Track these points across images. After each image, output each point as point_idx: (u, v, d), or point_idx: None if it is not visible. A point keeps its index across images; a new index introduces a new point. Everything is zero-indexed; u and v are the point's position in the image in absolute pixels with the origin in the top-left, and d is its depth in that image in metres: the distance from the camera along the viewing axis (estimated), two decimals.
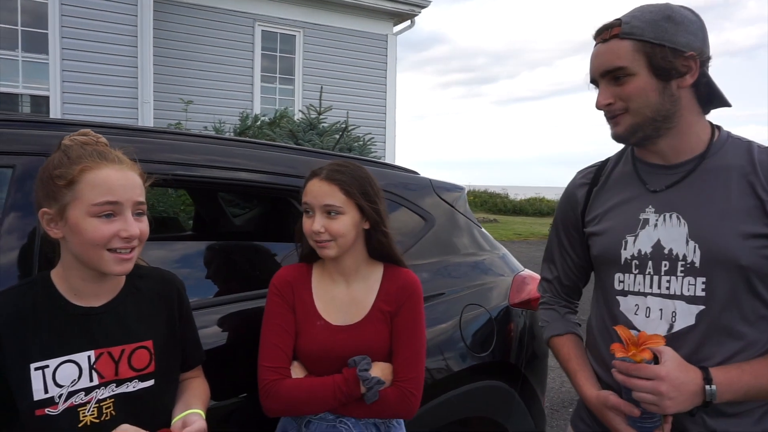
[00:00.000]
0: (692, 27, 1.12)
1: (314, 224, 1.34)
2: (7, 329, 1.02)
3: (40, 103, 6.75)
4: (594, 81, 1.20)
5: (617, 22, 1.14)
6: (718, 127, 1.20)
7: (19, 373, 1.01)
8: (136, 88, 7.00)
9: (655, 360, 1.07)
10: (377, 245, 1.42)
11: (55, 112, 6.64)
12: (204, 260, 1.91)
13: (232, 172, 1.66)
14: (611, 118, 1.18)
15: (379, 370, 1.35)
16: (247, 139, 1.86)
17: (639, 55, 1.11)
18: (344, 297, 1.42)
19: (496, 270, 2.13)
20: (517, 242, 13.26)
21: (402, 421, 1.47)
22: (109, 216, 1.03)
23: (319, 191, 1.35)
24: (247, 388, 1.47)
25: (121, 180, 1.05)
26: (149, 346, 1.14)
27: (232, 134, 6.28)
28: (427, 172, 2.25)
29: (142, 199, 1.09)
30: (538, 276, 2.26)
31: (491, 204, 22.52)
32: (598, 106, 1.19)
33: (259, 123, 6.15)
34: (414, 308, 1.41)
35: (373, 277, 1.44)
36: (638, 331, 1.11)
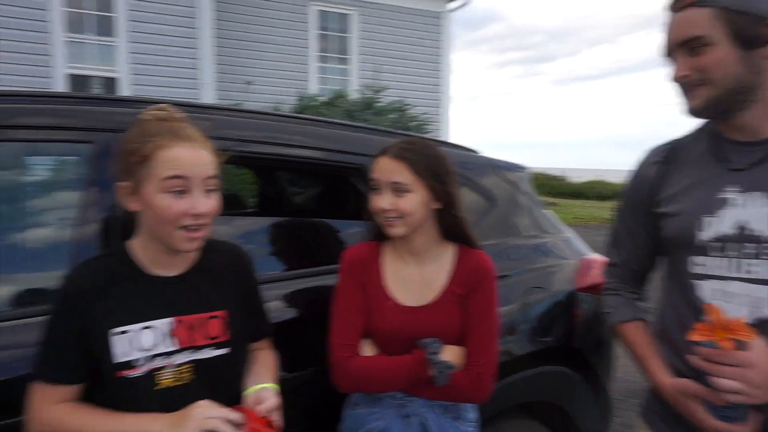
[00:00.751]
0: None
1: (381, 201, 1.33)
2: (91, 296, 1.06)
3: (110, 84, 7.05)
4: (669, 53, 1.12)
5: None
6: None
7: (102, 337, 1.06)
8: (197, 69, 7.20)
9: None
10: (449, 226, 1.39)
11: (124, 93, 6.92)
12: (266, 237, 1.95)
13: (292, 149, 1.67)
14: (687, 91, 1.10)
15: (450, 354, 1.32)
16: (308, 116, 1.86)
17: (718, 23, 1.03)
18: (415, 277, 1.40)
19: (561, 253, 2.06)
20: (576, 227, 12.87)
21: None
22: (180, 192, 1.05)
23: (387, 168, 1.33)
24: (311, 363, 1.49)
25: (192, 158, 1.06)
26: (223, 316, 1.17)
27: None
28: (484, 151, 2.19)
29: (213, 174, 1.09)
30: (604, 260, 2.19)
31: (549, 187, 21.90)
32: (674, 79, 1.11)
33: (315, 103, 6.19)
34: (488, 291, 1.37)
35: (445, 257, 1.41)
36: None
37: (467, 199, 1.90)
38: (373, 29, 9.46)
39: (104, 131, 1.38)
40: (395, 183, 1.32)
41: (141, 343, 1.08)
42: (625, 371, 4.06)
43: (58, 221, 1.42)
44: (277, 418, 1.11)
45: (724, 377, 1.00)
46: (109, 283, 1.09)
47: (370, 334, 1.38)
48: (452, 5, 10.16)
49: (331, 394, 1.38)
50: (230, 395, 1.16)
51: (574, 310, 1.96)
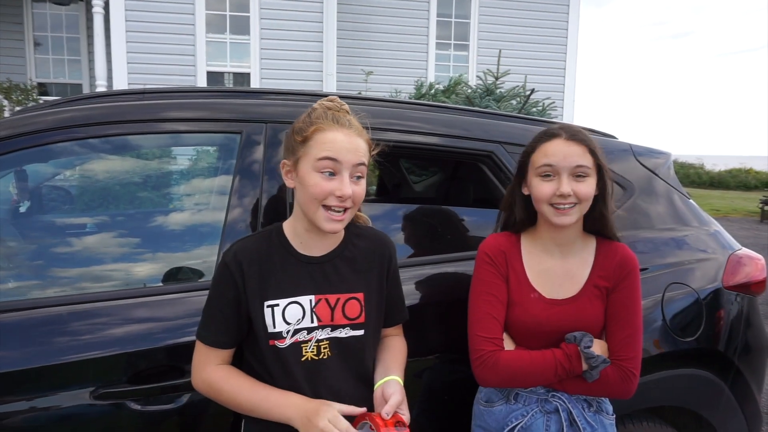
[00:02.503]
0: None
1: (562, 187, 1.26)
2: (248, 269, 1.16)
3: (242, 79, 7.61)
4: None
5: None
6: None
7: (257, 307, 1.15)
8: (321, 62, 7.53)
9: None
10: (598, 216, 1.34)
11: (255, 87, 7.44)
12: (386, 223, 1.99)
13: (411, 136, 1.67)
14: None
15: (599, 348, 1.29)
16: (425, 102, 1.86)
17: None
18: (558, 270, 1.36)
19: (706, 247, 1.88)
20: (714, 219, 11.66)
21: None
22: (330, 174, 1.12)
23: (568, 151, 1.28)
24: (440, 349, 1.51)
25: (345, 142, 1.13)
26: (360, 298, 1.22)
27: None
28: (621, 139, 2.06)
29: (362, 164, 1.15)
30: (757, 256, 1.97)
31: (683, 175, 20.05)
32: None
33: (433, 91, 6.20)
34: (633, 285, 1.32)
35: (587, 250, 1.37)
36: None
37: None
38: (493, 12, 9.22)
39: (251, 122, 1.49)
40: (579, 167, 1.27)
41: (288, 316, 1.16)
42: None
43: (202, 206, 1.57)
44: (404, 412, 1.13)
45: None
46: (263, 258, 1.18)
47: (508, 327, 1.36)
48: None
49: (452, 382, 1.39)
50: (363, 374, 1.22)
51: (720, 310, 1.79)
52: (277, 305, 1.16)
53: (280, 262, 1.19)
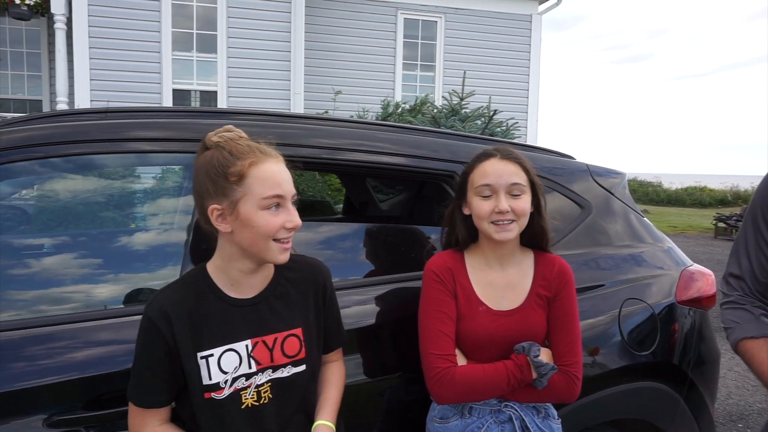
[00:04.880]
0: None
1: (500, 204, 1.32)
2: (178, 322, 1.10)
3: (209, 98, 7.56)
4: None
5: None
6: None
7: (189, 361, 1.10)
8: (289, 81, 7.55)
9: None
10: (538, 231, 1.41)
11: (222, 105, 7.40)
12: (352, 242, 2.01)
13: (378, 156, 1.70)
14: None
15: (546, 356, 1.35)
16: (393, 123, 1.90)
17: None
18: (502, 282, 1.41)
19: (661, 263, 1.96)
20: (672, 235, 12.07)
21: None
22: (276, 207, 1.10)
23: (504, 170, 1.35)
24: (398, 368, 1.53)
25: (282, 173, 1.12)
26: (299, 334, 1.20)
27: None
28: (578, 158, 2.14)
29: (295, 191, 1.14)
30: (708, 271, 2.05)
31: (641, 193, 20.73)
32: None
33: (400, 110, 6.28)
34: (571, 293, 1.41)
35: (526, 262, 1.44)
36: None
37: (564, 205, 1.87)
38: (459, 35, 9.45)
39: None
40: (514, 184, 1.34)
41: (224, 365, 1.12)
42: (729, 392, 3.77)
43: (167, 226, 1.56)
44: None
45: None
46: (192, 308, 1.12)
47: (460, 342, 1.39)
48: (543, 7, 9.92)
49: (410, 401, 1.40)
50: (309, 409, 1.21)
51: (673, 324, 1.86)
52: (212, 355, 1.11)
53: (210, 309, 1.13)
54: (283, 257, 1.13)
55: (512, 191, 1.34)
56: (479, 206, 1.35)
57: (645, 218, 2.08)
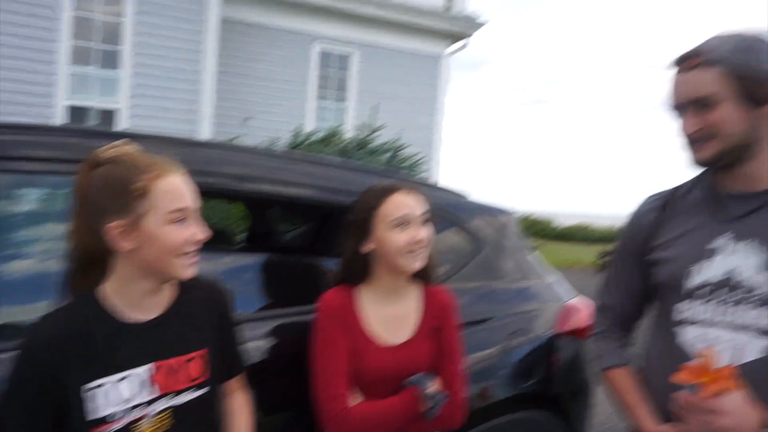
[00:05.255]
0: None
1: (419, 233, 1.39)
2: (59, 350, 1.02)
3: (109, 117, 7.15)
4: (677, 108, 1.19)
5: (699, 51, 1.13)
6: None
7: (74, 394, 1.01)
8: (198, 102, 7.33)
9: None
10: (428, 261, 1.46)
11: (123, 126, 7.02)
12: (253, 273, 1.98)
13: (287, 188, 1.70)
14: (695, 144, 1.16)
15: (435, 386, 1.38)
16: (304, 153, 1.92)
17: (726, 82, 1.10)
18: (394, 316, 1.44)
19: (545, 297, 2.10)
20: (561, 270, 12.89)
21: None
22: (182, 221, 1.07)
23: (414, 201, 1.41)
24: (296, 402, 1.51)
25: (186, 186, 1.09)
26: (203, 355, 1.16)
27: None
28: (473, 193, 2.26)
29: (199, 204, 1.12)
30: (586, 303, 2.23)
31: (536, 229, 22.07)
32: (683, 134, 1.18)
33: (310, 140, 6.31)
34: (456, 322, 1.49)
35: (414, 294, 1.49)
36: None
37: (457, 241, 1.96)
38: (372, 70, 9.71)
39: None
40: (424, 213, 1.41)
41: (118, 395, 1.04)
42: (599, 418, 4.05)
43: (51, 252, 1.45)
44: None
45: (697, 422, 1.04)
46: (79, 333, 1.04)
47: (353, 379, 1.39)
48: (451, 48, 10.47)
49: None
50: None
51: (554, 354, 1.99)
52: (103, 384, 1.03)
53: (102, 333, 1.06)
54: (190, 272, 1.09)
55: (421, 221, 1.41)
56: (396, 239, 1.37)
57: (532, 253, 2.23)
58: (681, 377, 1.06)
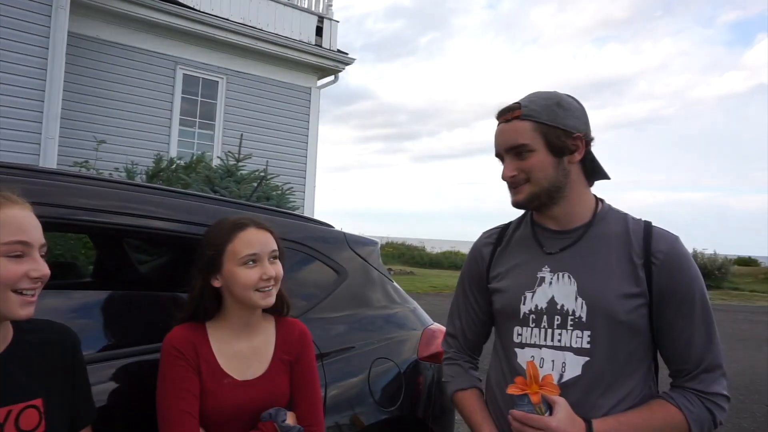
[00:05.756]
0: (577, 113, 1.29)
1: (269, 271, 1.36)
2: None
3: None
4: (499, 155, 1.34)
5: (517, 105, 1.28)
6: (601, 200, 1.37)
7: None
8: (41, 123, 6.62)
9: (548, 407, 1.16)
10: (281, 296, 1.46)
11: None
12: (103, 310, 1.81)
13: (141, 220, 1.61)
14: (514, 187, 1.31)
15: (291, 419, 1.37)
16: (160, 186, 1.83)
17: (537, 134, 1.25)
18: (246, 350, 1.41)
19: (408, 323, 2.18)
20: (432, 294, 13.51)
21: None
22: (18, 256, 1.00)
23: (264, 239, 1.39)
24: None
25: (29, 220, 1.04)
26: (39, 405, 1.07)
27: (144, 177, 6.05)
28: (345, 223, 2.31)
29: (44, 241, 1.06)
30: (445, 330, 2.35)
31: (409, 256, 22.93)
32: (504, 178, 1.32)
33: (174, 166, 5.99)
34: (311, 355, 1.49)
35: (268, 329, 1.47)
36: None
37: (322, 272, 1.96)
38: (240, 98, 9.54)
39: None
40: (273, 251, 1.39)
41: None
42: None
43: None
44: None
45: None
46: None
47: (204, 419, 1.33)
48: (322, 81, 10.66)
49: None
50: None
51: (418, 378, 2.06)
52: None
53: None
54: (25, 312, 1.01)
55: (271, 256, 1.39)
56: (246, 276, 1.35)
57: (394, 282, 2.31)
58: (512, 389, 1.18)
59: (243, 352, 1.41)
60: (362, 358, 1.89)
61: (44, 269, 1.03)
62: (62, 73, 6.77)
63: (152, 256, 3.02)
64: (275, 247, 1.41)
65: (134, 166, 6.46)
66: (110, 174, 5.42)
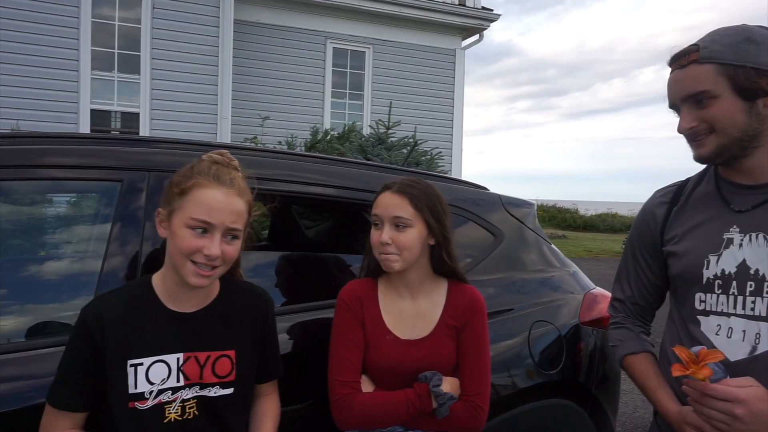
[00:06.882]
0: None
1: (382, 235, 1.37)
2: (112, 327, 1.11)
3: (131, 119, 7.30)
4: (674, 106, 1.20)
5: (695, 48, 1.14)
6: None
7: (117, 367, 1.10)
8: (216, 105, 7.44)
9: (723, 370, 1.06)
10: (441, 262, 1.45)
11: (144, 128, 7.17)
12: (276, 269, 2.02)
13: (307, 186, 1.74)
14: (695, 140, 1.18)
15: (448, 385, 1.37)
16: (322, 155, 1.96)
17: (722, 78, 1.10)
18: (411, 311, 1.45)
19: (566, 287, 2.11)
20: (587, 259, 12.80)
21: None
22: (201, 231, 1.11)
23: (390, 203, 1.39)
24: (314, 396, 1.54)
25: (222, 203, 1.12)
26: (232, 356, 1.21)
27: (302, 148, 6.52)
28: (494, 186, 2.27)
29: (237, 226, 1.15)
30: (609, 294, 2.22)
31: (560, 219, 21.84)
32: (681, 131, 1.19)
33: (329, 138, 6.36)
34: (481, 324, 1.44)
35: (438, 292, 1.47)
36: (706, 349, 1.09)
37: (477, 234, 1.97)
38: (387, 66, 9.72)
39: (132, 170, 1.48)
40: (397, 218, 1.37)
41: (152, 376, 1.12)
42: (630, 407, 4.03)
43: (88, 254, 1.51)
44: None
45: (713, 410, 1.05)
46: (128, 314, 1.13)
47: (367, 369, 1.41)
48: (467, 42, 10.42)
49: (327, 427, 1.41)
50: None
51: (579, 343, 1.99)
52: (141, 364, 1.12)
53: (146, 318, 1.15)
54: (195, 281, 1.12)
55: (395, 223, 1.38)
56: (372, 236, 1.41)
57: (552, 245, 2.23)
58: (675, 373, 1.08)
59: (407, 312, 1.44)
60: (521, 320, 1.88)
61: (215, 250, 1.10)
62: (230, 58, 7.51)
63: (316, 222, 3.27)
64: (401, 214, 1.37)
65: (294, 139, 6.99)
66: (274, 146, 5.93)
